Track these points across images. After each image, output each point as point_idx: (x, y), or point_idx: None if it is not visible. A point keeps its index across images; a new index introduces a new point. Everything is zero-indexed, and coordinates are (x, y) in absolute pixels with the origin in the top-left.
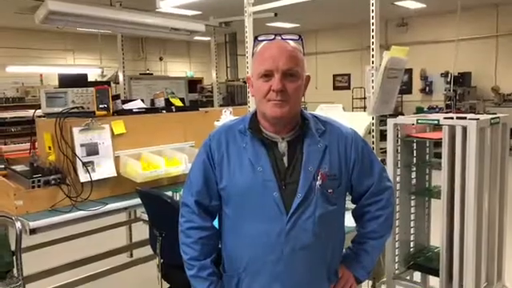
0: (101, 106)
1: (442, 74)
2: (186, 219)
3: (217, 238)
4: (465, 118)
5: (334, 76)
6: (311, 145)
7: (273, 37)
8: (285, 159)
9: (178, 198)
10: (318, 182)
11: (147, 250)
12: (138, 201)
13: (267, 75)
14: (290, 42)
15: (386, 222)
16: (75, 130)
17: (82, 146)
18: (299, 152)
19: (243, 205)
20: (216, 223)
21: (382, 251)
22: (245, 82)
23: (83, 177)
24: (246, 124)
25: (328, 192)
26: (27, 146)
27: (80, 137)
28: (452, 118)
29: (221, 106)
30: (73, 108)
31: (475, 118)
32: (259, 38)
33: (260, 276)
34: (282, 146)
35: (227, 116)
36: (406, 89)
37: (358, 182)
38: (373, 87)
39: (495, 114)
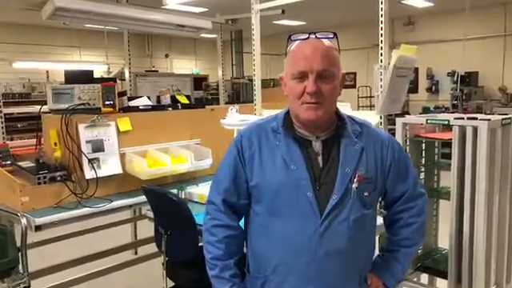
0: (107, 102)
1: (448, 73)
2: (211, 217)
3: (242, 238)
4: (476, 118)
5: None
6: (348, 145)
7: (307, 36)
8: (319, 159)
9: (183, 196)
10: (355, 185)
11: (152, 248)
12: (143, 198)
13: (301, 77)
14: (325, 40)
15: (419, 230)
16: (81, 126)
17: (87, 142)
18: (335, 152)
19: (275, 203)
20: (241, 223)
21: (411, 260)
22: (250, 80)
23: (89, 174)
24: (279, 122)
25: (364, 195)
26: (33, 141)
27: (86, 133)
28: (462, 119)
29: (226, 103)
30: (79, 104)
31: (486, 118)
32: (292, 38)
33: (290, 278)
34: (317, 146)
35: (233, 114)
36: (412, 88)
37: (392, 186)
38: (381, 86)
39: (506, 114)
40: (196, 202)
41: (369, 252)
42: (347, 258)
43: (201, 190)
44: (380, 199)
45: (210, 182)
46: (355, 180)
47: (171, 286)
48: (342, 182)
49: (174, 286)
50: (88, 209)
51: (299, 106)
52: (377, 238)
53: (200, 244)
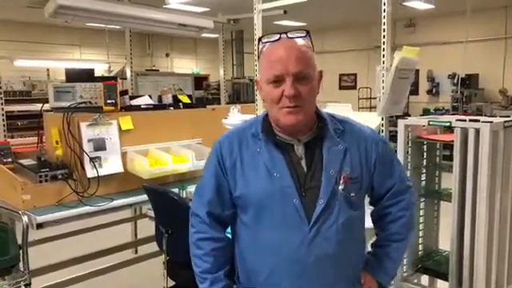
0: (109, 101)
1: (449, 75)
2: (196, 230)
3: (230, 248)
4: (478, 120)
5: (341, 76)
6: (331, 147)
7: (278, 36)
8: (303, 163)
9: (184, 195)
10: (341, 187)
11: (152, 247)
12: (144, 197)
13: (277, 80)
14: (298, 39)
15: (409, 224)
16: (83, 125)
17: (89, 141)
18: (318, 155)
19: (261, 213)
20: (228, 232)
21: (403, 254)
22: (251, 80)
23: (90, 172)
24: (257, 127)
25: (351, 196)
26: (34, 139)
27: (87, 132)
28: (465, 121)
29: (227, 103)
30: (81, 103)
31: (489, 120)
32: (263, 40)
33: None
34: (299, 149)
35: (235, 114)
36: (413, 90)
37: (379, 182)
38: (383, 87)
39: (508, 116)
40: None
41: (360, 252)
42: (338, 262)
43: None
44: (366, 196)
45: None
46: (341, 182)
47: (171, 285)
48: (328, 184)
49: (175, 286)
50: (89, 207)
51: (278, 111)
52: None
53: None
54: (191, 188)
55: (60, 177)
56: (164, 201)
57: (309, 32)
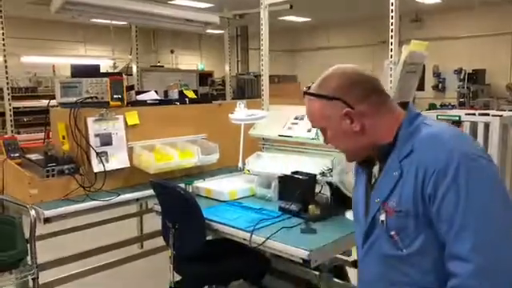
0: (115, 96)
1: (455, 70)
2: None
3: None
4: (487, 114)
5: None
6: (388, 170)
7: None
8: (374, 181)
9: (190, 190)
10: (382, 217)
11: (157, 242)
12: (150, 192)
13: None
14: (308, 97)
15: None
16: (89, 120)
17: (96, 136)
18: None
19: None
20: None
21: None
22: (255, 76)
23: (97, 167)
24: None
25: (391, 234)
26: (40, 135)
27: (94, 127)
28: (474, 115)
29: (232, 99)
30: (87, 98)
31: (498, 114)
32: None
33: None
34: (376, 168)
35: (242, 109)
36: (419, 85)
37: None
38: (391, 81)
39: None
40: (203, 197)
41: None
42: None
43: (208, 185)
44: None
45: (217, 176)
46: (383, 212)
47: (178, 279)
48: (371, 212)
49: (181, 280)
50: (96, 202)
51: None
52: None
53: (208, 238)
54: (197, 183)
55: (67, 171)
56: (171, 195)
57: (313, 87)
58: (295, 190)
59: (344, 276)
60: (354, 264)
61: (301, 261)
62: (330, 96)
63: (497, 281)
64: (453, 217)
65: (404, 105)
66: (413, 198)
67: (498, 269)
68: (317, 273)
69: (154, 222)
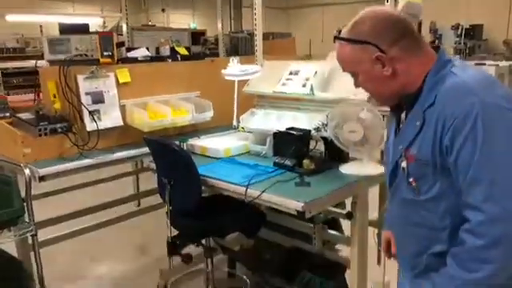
0: (105, 53)
1: (452, 26)
2: None
3: None
4: (484, 64)
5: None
6: (411, 119)
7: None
8: (401, 127)
9: (185, 148)
10: (403, 164)
11: (154, 200)
12: (145, 150)
13: None
14: (338, 42)
15: (469, 255)
16: (80, 77)
17: (87, 94)
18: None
19: None
20: None
21: None
22: (249, 34)
23: (89, 125)
24: None
25: (409, 181)
26: (30, 96)
27: (85, 85)
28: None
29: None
30: (76, 55)
31: (494, 63)
32: None
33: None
34: (403, 115)
35: (235, 64)
36: None
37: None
38: None
39: None
40: (198, 155)
41: (422, 245)
42: (400, 239)
43: (202, 143)
44: None
45: (212, 134)
46: (404, 159)
47: (175, 234)
48: (394, 157)
49: (178, 235)
50: (90, 160)
51: None
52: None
53: (204, 195)
54: (192, 141)
55: (59, 130)
56: (165, 151)
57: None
58: (290, 146)
59: (338, 228)
60: (349, 216)
61: (295, 212)
62: (361, 40)
63: (506, 231)
64: (468, 167)
65: (436, 48)
66: (431, 149)
67: (509, 219)
68: (311, 225)
69: (150, 181)
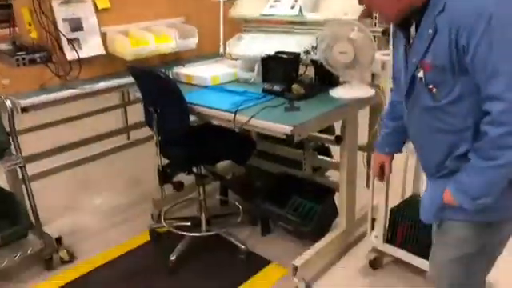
0: None
1: None
2: None
3: None
4: None
5: None
6: (423, 29)
7: None
8: (412, 41)
9: (170, 76)
10: (420, 74)
11: (144, 132)
12: (130, 79)
13: None
14: None
15: (492, 143)
16: (54, 3)
17: (64, 21)
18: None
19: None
20: None
21: (486, 178)
22: None
23: (70, 54)
24: None
25: (429, 88)
26: (5, 31)
27: (61, 10)
28: None
29: None
30: None
31: None
32: None
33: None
34: (413, 30)
35: None
36: None
37: (472, 73)
38: None
39: None
40: (184, 83)
41: (443, 149)
42: (422, 147)
43: (188, 71)
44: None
45: (197, 63)
46: (421, 69)
47: (165, 163)
48: (409, 72)
49: (168, 164)
50: (73, 90)
51: None
52: None
53: (193, 125)
54: (177, 69)
55: (39, 60)
56: (149, 79)
57: None
58: (279, 70)
59: (328, 155)
60: (338, 140)
61: (284, 137)
62: None
63: None
64: (487, 62)
65: None
66: (448, 53)
67: None
68: (301, 151)
69: (138, 115)
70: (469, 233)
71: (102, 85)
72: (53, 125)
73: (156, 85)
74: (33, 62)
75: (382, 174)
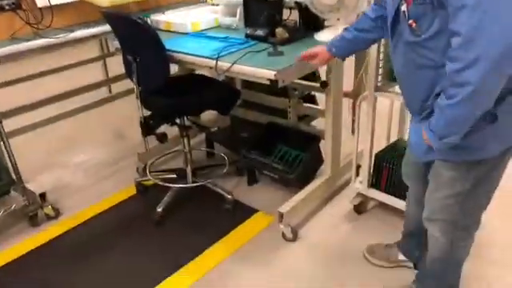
0: None
1: None
2: None
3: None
4: None
5: None
6: None
7: None
8: None
9: (149, 23)
10: (403, 7)
11: (126, 85)
12: (107, 28)
13: None
14: None
15: (449, 82)
16: None
17: None
18: None
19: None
20: None
21: (452, 119)
22: None
23: (40, 0)
24: None
25: (409, 23)
26: None
27: None
28: None
29: None
30: None
31: None
32: None
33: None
34: None
35: None
36: None
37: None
38: None
39: None
40: (163, 31)
41: (426, 86)
42: (406, 83)
43: (167, 18)
44: None
45: (178, 10)
46: (404, 2)
47: (148, 114)
48: (394, 4)
49: (151, 115)
50: (47, 40)
51: None
52: None
53: (175, 74)
54: (156, 16)
55: (7, 7)
56: (126, 26)
57: None
58: (262, 15)
59: (313, 103)
60: (323, 85)
61: (268, 82)
62: None
63: (481, 50)
64: None
65: None
66: None
67: (483, 39)
68: (287, 99)
69: (120, 67)
70: (459, 172)
71: (77, 34)
72: (29, 78)
73: (133, 32)
74: (1, 9)
75: (308, 59)
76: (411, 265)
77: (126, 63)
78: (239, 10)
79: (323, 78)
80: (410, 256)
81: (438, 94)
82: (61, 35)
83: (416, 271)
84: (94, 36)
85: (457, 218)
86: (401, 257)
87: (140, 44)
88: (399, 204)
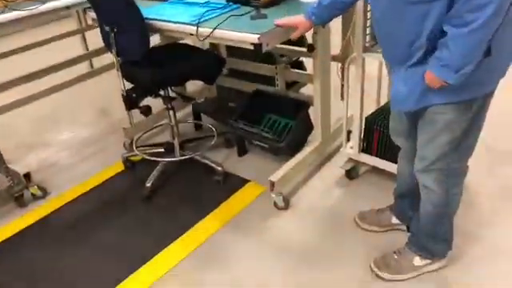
0: None
1: None
2: None
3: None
4: None
5: None
6: None
7: None
8: None
9: None
10: None
11: (108, 59)
12: None
13: None
14: None
15: (466, 7)
16: None
17: None
18: None
19: None
20: None
21: (464, 47)
22: None
23: None
24: None
25: None
26: None
27: None
28: None
29: None
30: None
31: None
32: None
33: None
34: None
35: None
36: None
37: None
38: None
39: None
40: None
41: (408, 33)
42: (390, 28)
43: None
44: None
45: None
46: None
47: (130, 88)
48: None
49: (133, 88)
50: (18, 12)
51: None
52: None
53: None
54: None
55: None
56: None
57: None
58: None
59: (301, 68)
60: (310, 49)
61: (251, 46)
62: None
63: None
64: None
65: None
66: None
67: None
68: (273, 66)
69: (100, 40)
70: (456, 113)
71: (50, 5)
72: (6, 55)
73: (111, 1)
74: None
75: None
76: (404, 227)
77: (104, 34)
78: None
79: (310, 41)
80: (404, 217)
81: (434, 34)
82: (32, 7)
83: (409, 234)
84: (67, 7)
85: (452, 164)
86: (394, 220)
87: (116, 13)
88: (392, 167)
